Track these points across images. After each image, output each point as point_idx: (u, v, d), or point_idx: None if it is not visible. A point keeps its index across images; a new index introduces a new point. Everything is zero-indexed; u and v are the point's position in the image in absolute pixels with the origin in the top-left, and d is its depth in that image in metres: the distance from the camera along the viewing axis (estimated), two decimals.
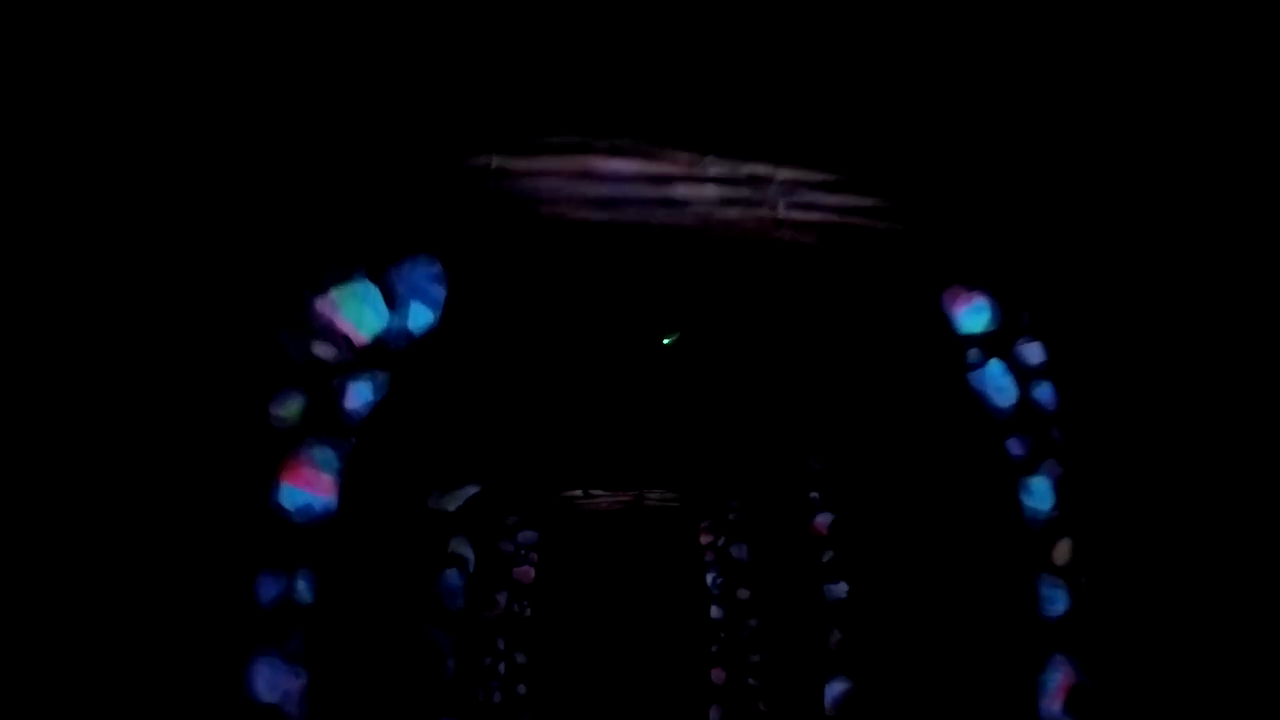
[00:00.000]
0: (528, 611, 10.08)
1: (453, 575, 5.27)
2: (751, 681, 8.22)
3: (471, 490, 5.58)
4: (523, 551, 10.29)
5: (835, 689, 5.77)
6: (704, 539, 10.83)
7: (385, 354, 3.21)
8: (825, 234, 3.91)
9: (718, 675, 10.36)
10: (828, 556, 5.92)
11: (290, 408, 3.12)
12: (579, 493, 10.41)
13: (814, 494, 6.07)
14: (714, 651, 10.37)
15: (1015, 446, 3.82)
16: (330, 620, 3.02)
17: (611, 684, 10.71)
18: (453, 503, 5.44)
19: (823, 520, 5.99)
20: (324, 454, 3.04)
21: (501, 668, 8.32)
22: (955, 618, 4.44)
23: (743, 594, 8.69)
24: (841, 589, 5.86)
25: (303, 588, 2.89)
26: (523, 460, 7.41)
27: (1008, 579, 3.80)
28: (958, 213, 4.12)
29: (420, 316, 3.29)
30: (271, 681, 2.85)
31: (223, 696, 2.87)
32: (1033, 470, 3.81)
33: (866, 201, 4.11)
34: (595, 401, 7.41)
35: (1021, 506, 3.74)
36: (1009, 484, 3.76)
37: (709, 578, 10.51)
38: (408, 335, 3.24)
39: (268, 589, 2.91)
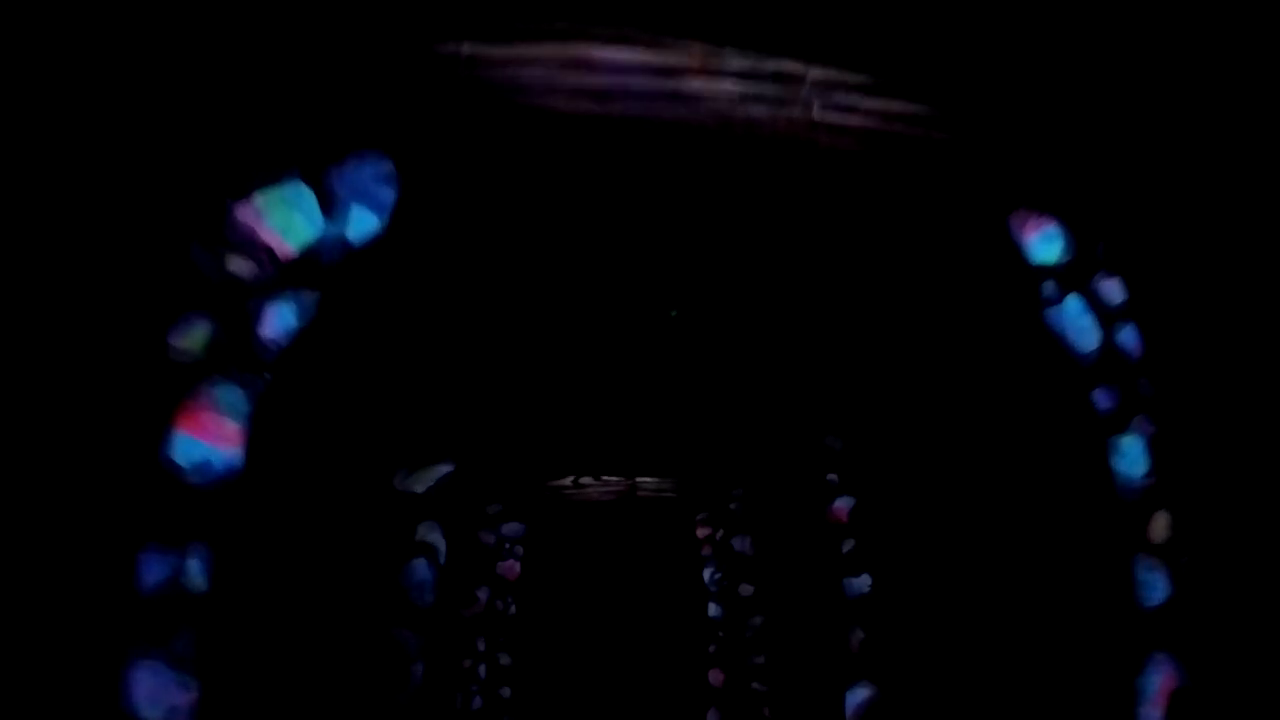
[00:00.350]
0: (512, 609, 9.36)
1: (421, 567, 4.57)
2: (756, 686, 7.52)
3: (443, 470, 4.86)
4: (507, 545, 9.57)
5: (858, 696, 5.07)
6: (701, 531, 10.12)
7: (315, 269, 2.49)
8: (867, 141, 3.22)
9: (716, 677, 9.65)
10: (848, 546, 5.22)
11: (194, 337, 2.40)
12: (568, 482, 9.71)
13: (832, 476, 5.37)
14: (712, 652, 9.67)
15: (1102, 399, 3.12)
16: (232, 614, 2.30)
17: (602, 686, 9.97)
18: (421, 483, 4.73)
19: (842, 505, 5.29)
20: (229, 395, 2.31)
21: (482, 670, 7.59)
22: (1016, 611, 3.73)
23: (745, 590, 7.98)
24: (864, 583, 5.16)
25: (195, 570, 2.16)
26: (502, 438, 6.71)
27: (1092, 560, 3.09)
28: (1019, 124, 3.42)
29: (363, 223, 2.57)
30: (154, 693, 2.13)
31: (91, 712, 2.14)
32: (1123, 428, 3.10)
33: (913, 108, 3.41)
34: (583, 373, 6.72)
35: (1112, 472, 3.04)
36: (1095, 445, 3.06)
37: (706, 573, 9.80)
38: (345, 245, 2.52)
39: (151, 571, 2.18)
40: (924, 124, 3.34)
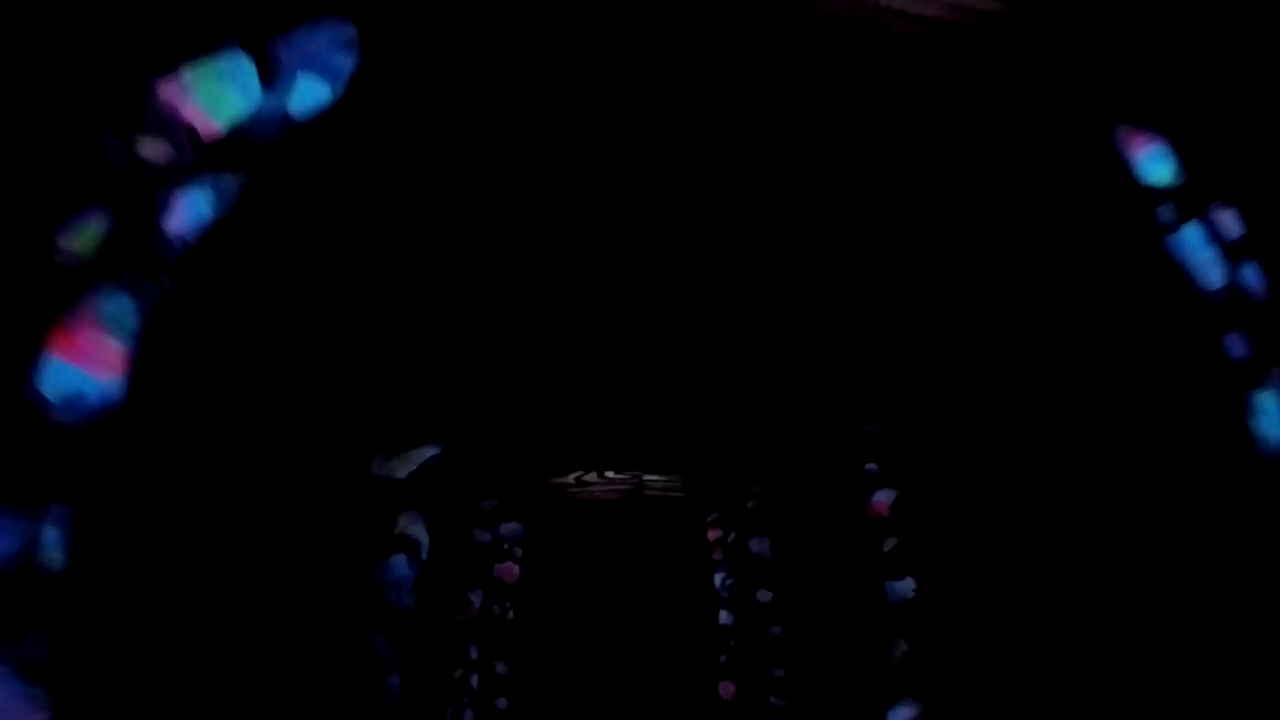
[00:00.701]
0: (510, 614, 8.74)
1: (400, 564, 3.95)
2: (775, 701, 6.88)
3: (429, 453, 4.24)
4: (505, 545, 8.95)
5: (900, 716, 4.43)
6: (712, 534, 9.50)
7: (243, 148, 1.88)
8: (942, 33, 2.61)
9: (727, 689, 9.01)
10: (890, 545, 4.59)
11: (85, 235, 1.79)
12: (570, 479, 9.09)
13: (871, 465, 4.75)
14: (723, 662, 9.03)
15: (1236, 346, 2.49)
16: (101, 604, 1.68)
17: (605, 698, 9.32)
18: (402, 467, 4.12)
19: (883, 499, 4.67)
20: (116, 305, 1.70)
21: (474, 681, 6.96)
22: (1105, 614, 3.10)
23: (764, 596, 7.34)
24: (908, 586, 4.53)
25: (52, 542, 1.55)
26: (497, 422, 6.09)
27: (1234, 546, 2.46)
28: (1114, 30, 2.81)
29: (309, 94, 1.96)
30: None
31: None
32: (1258, 382, 2.48)
33: (991, 4, 2.81)
34: (587, 355, 6.08)
35: (1250, 435, 2.41)
36: (1228, 401, 2.43)
37: (717, 578, 9.18)
38: (284, 119, 1.91)
39: None
40: (1003, 22, 2.73)
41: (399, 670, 3.94)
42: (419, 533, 4.08)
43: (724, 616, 8.98)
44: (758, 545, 7.37)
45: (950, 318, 4.20)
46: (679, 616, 9.35)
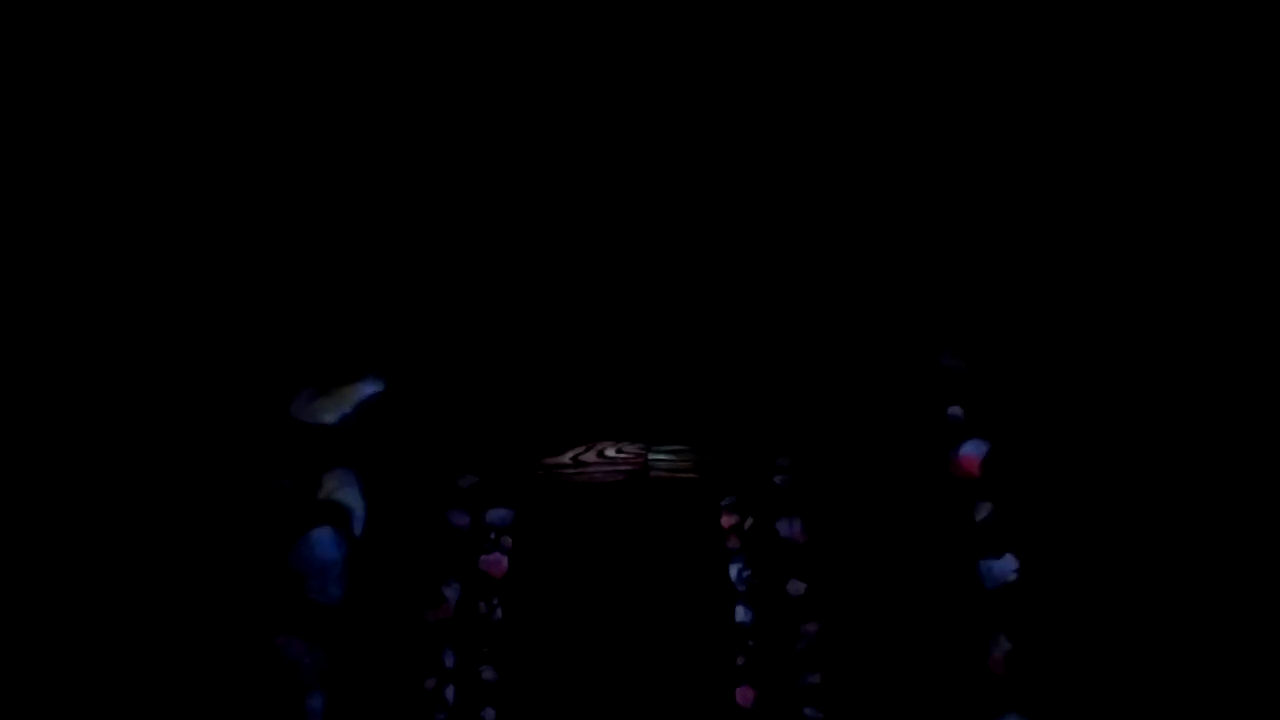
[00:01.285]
0: (498, 613, 7.62)
1: (323, 541, 2.82)
2: (811, 713, 5.76)
3: (368, 390, 3.11)
4: (492, 534, 7.83)
5: None
6: (726, 520, 8.38)
7: None
8: None
9: (745, 696, 7.90)
10: (984, 513, 3.47)
11: None
12: (566, 460, 7.98)
13: (954, 409, 3.62)
14: (740, 665, 7.92)
15: None
16: None
17: (605, 704, 8.20)
18: (332, 409, 3.00)
19: (973, 452, 3.55)
20: None
21: (450, 693, 5.83)
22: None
23: (795, 588, 6.21)
24: (1008, 567, 3.41)
25: None
26: (474, 382, 5.01)
27: None
28: None
29: None
30: None
31: None
32: None
33: None
34: (582, 313, 4.99)
35: None
36: None
37: (733, 570, 8.06)
38: None
39: None
40: None
41: (322, 686, 2.82)
42: (351, 499, 2.95)
43: (741, 613, 7.87)
44: (787, 528, 6.24)
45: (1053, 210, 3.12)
46: (689, 613, 8.22)
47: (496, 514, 7.84)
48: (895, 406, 4.07)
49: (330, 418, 3.10)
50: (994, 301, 3.47)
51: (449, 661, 5.72)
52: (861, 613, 4.68)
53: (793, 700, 5.97)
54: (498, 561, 7.70)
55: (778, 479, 6.44)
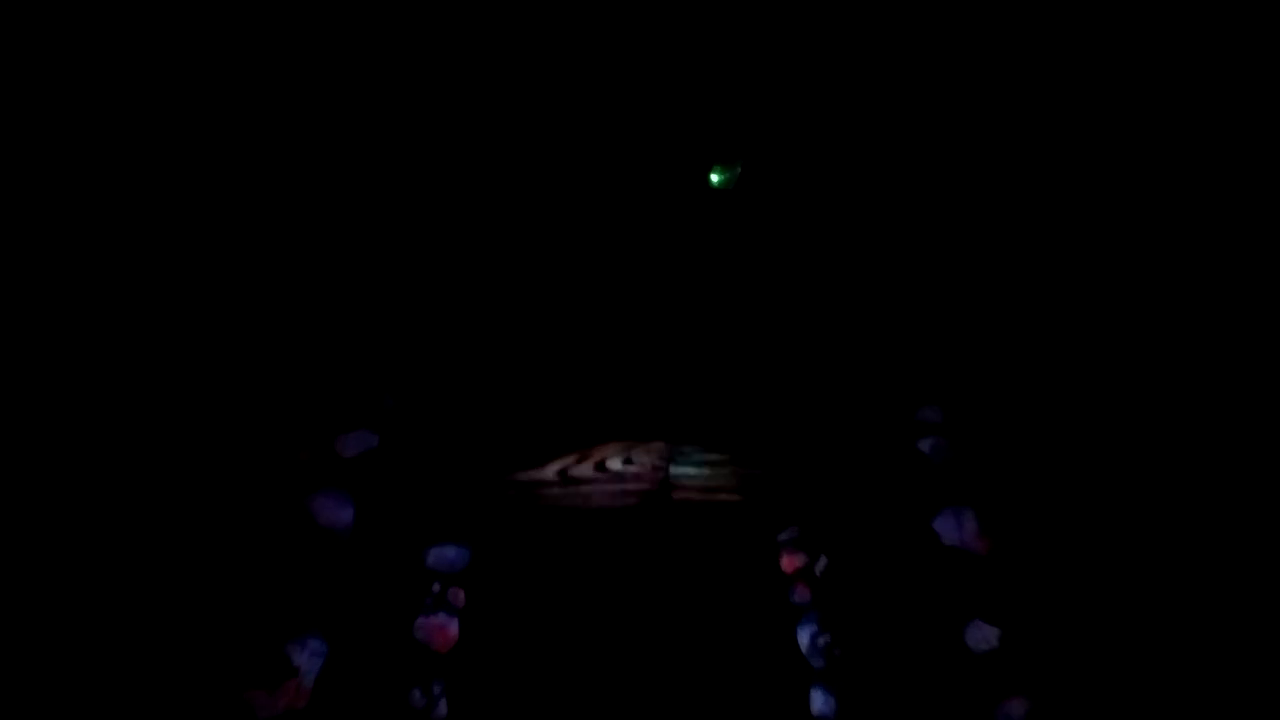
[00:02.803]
0: (441, 708, 4.93)
1: None
2: None
3: None
4: (435, 586, 5.17)
5: None
6: (789, 561, 5.70)
7: None
8: None
9: None
10: None
11: None
12: (550, 475, 5.37)
13: None
14: None
15: None
16: None
17: None
18: None
19: None
20: None
21: None
22: None
23: (981, 638, 3.48)
24: None
25: None
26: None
27: None
28: None
29: None
30: None
31: None
32: None
33: None
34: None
35: None
36: None
37: (803, 635, 5.35)
38: None
39: None
40: None
41: None
42: None
43: (819, 701, 5.17)
44: (953, 528, 3.54)
45: None
46: (735, 711, 5.44)
47: (444, 554, 5.21)
48: None
49: None
50: None
51: None
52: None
53: None
54: (442, 627, 5.06)
55: (926, 444, 3.76)
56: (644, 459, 5.48)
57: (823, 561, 5.46)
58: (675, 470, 5.50)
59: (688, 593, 5.51)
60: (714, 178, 3.64)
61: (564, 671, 5.17)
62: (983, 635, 3.34)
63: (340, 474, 3.73)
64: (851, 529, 5.36)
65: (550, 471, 5.39)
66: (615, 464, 5.46)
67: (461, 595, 5.14)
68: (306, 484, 3.52)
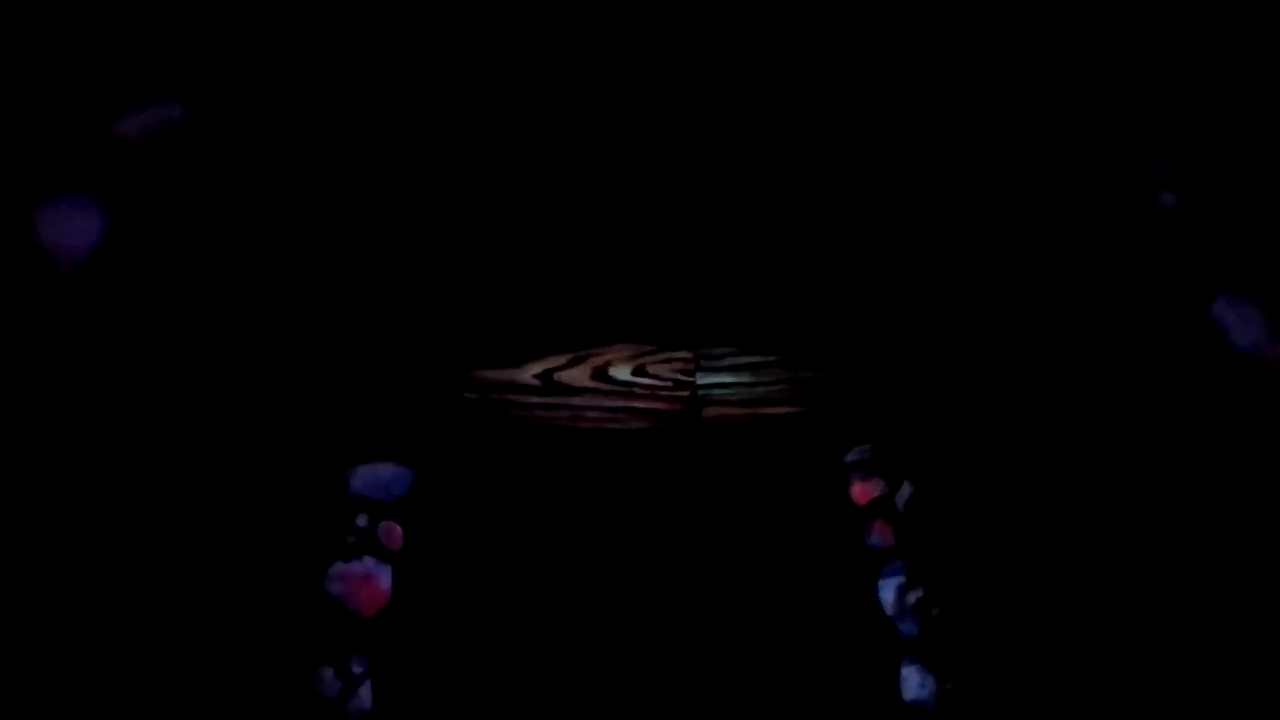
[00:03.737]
0: (363, 699, 3.40)
1: None
2: None
3: None
4: (360, 523, 3.71)
5: None
6: (861, 491, 4.07)
7: None
8: None
9: None
10: None
11: None
12: (529, 379, 3.96)
13: None
14: None
15: None
16: None
17: None
18: None
19: None
20: None
21: None
22: None
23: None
24: None
25: None
26: None
27: None
28: None
29: None
30: None
31: None
32: None
33: None
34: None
35: None
36: None
37: (887, 591, 3.72)
38: None
39: None
40: None
41: None
42: None
43: (914, 683, 3.50)
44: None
45: None
46: (799, 694, 3.75)
47: (375, 475, 3.74)
48: None
49: None
50: None
51: None
52: None
53: None
54: (368, 579, 3.56)
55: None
56: (662, 366, 4.05)
57: (906, 489, 3.86)
58: (705, 381, 4.03)
59: (723, 541, 3.93)
60: None
61: (538, 647, 3.62)
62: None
63: None
64: (946, 443, 3.81)
65: (528, 374, 3.97)
66: (622, 372, 4.03)
67: (398, 534, 3.66)
68: None
